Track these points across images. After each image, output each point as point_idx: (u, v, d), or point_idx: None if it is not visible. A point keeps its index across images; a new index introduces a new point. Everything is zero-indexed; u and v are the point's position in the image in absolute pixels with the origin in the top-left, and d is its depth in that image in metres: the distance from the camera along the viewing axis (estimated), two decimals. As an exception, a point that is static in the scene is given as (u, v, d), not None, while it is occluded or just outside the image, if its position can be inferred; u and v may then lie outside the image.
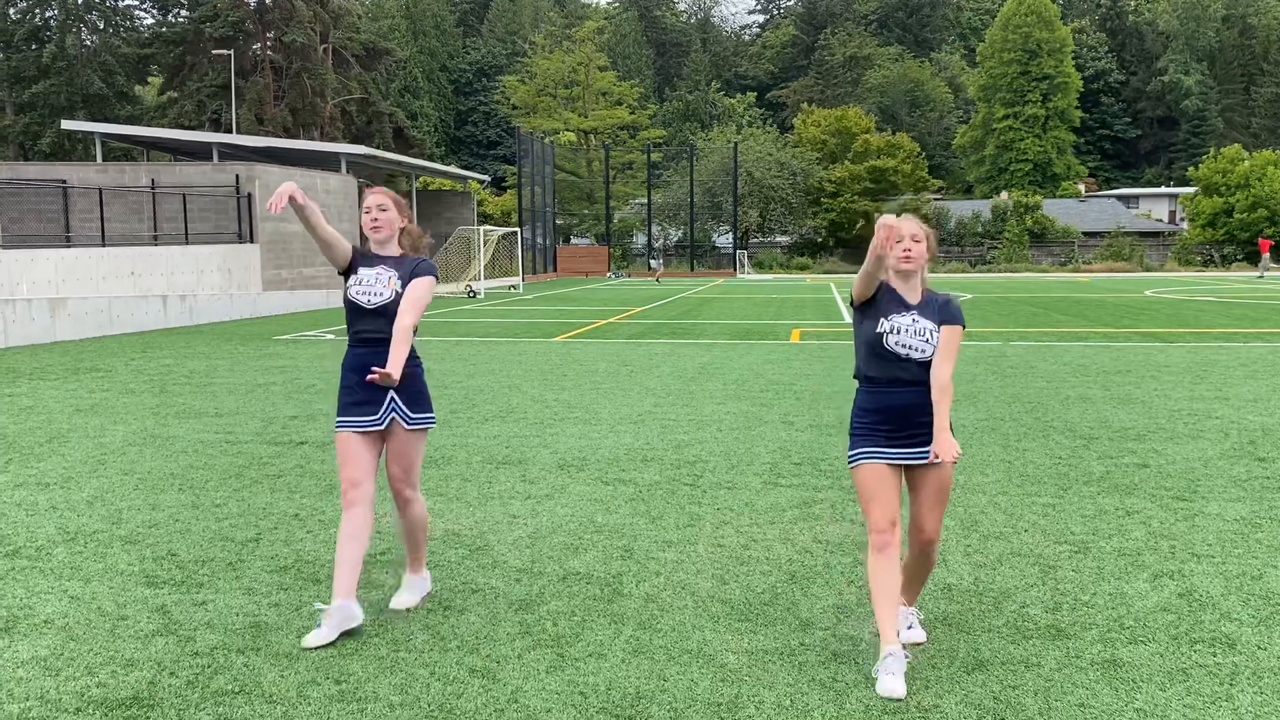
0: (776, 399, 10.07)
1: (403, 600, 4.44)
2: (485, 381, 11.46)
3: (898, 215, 3.77)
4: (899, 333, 3.75)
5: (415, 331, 4.28)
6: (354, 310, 4.32)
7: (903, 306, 3.80)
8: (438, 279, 4.44)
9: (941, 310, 3.82)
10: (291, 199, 4.08)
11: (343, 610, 4.06)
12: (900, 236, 3.79)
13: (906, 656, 3.65)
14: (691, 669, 3.75)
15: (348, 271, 4.37)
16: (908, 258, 3.78)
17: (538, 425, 8.68)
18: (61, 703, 3.50)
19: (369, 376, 4.08)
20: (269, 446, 7.83)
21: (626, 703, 3.48)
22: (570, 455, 7.45)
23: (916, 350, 3.75)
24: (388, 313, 4.27)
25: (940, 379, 3.71)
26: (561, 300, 29.32)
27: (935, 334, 3.77)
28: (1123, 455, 7.34)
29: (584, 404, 9.81)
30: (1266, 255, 43.24)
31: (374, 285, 4.30)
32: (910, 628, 4.04)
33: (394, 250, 4.41)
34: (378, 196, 4.37)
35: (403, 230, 4.42)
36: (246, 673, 3.73)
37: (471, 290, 31.70)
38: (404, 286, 4.30)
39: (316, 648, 3.95)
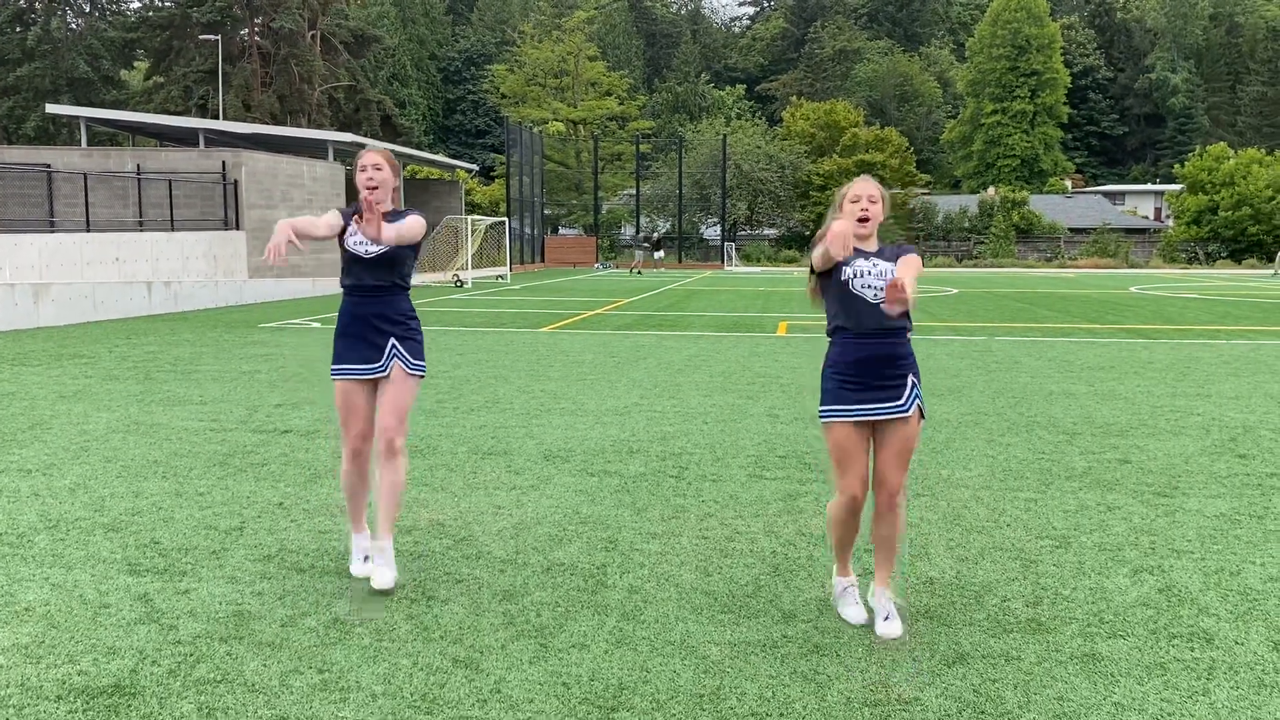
0: (762, 392, 10.09)
1: (385, 579, 4.42)
2: (471, 372, 11.45)
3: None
4: (863, 275, 3.90)
5: (402, 254, 4.46)
6: (352, 260, 4.43)
7: (861, 255, 3.95)
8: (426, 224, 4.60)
9: (899, 252, 3.99)
10: (290, 243, 4.15)
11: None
12: (857, 197, 3.98)
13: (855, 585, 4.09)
14: (674, 660, 3.76)
15: (342, 232, 4.47)
16: (865, 219, 3.95)
17: (523, 416, 8.68)
18: (43, 690, 3.49)
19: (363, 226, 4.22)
20: (253, 435, 7.81)
21: (609, 693, 3.49)
22: (556, 446, 7.45)
23: (881, 289, 3.87)
24: (385, 261, 4.41)
25: (906, 269, 3.88)
26: (549, 291, 29.29)
27: (893, 271, 3.90)
28: (1105, 451, 7.38)
29: (570, 395, 9.81)
30: None
31: None
32: (887, 618, 4.03)
33: (387, 208, 4.52)
34: (373, 156, 4.45)
35: (394, 189, 4.55)
36: (229, 661, 3.72)
37: (459, 280, 31.62)
38: None
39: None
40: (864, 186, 3.98)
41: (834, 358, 3.98)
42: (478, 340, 14.92)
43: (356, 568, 4.58)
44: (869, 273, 3.89)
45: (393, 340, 4.46)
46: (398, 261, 4.46)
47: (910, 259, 3.93)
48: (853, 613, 4.07)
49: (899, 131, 66.56)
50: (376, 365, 4.46)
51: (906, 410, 3.93)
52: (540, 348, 14.00)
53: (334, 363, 4.51)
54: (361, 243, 4.39)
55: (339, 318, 4.54)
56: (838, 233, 3.63)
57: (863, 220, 3.94)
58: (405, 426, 4.54)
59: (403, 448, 4.53)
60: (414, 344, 4.52)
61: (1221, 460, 7.10)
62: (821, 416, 3.99)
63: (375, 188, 4.40)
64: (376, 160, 4.43)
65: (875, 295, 3.87)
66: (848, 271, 3.90)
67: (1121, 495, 6.13)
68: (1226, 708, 3.42)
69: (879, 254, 3.97)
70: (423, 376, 4.57)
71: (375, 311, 4.44)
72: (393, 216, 4.46)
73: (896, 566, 4.41)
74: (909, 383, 3.95)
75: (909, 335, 4.00)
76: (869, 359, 3.90)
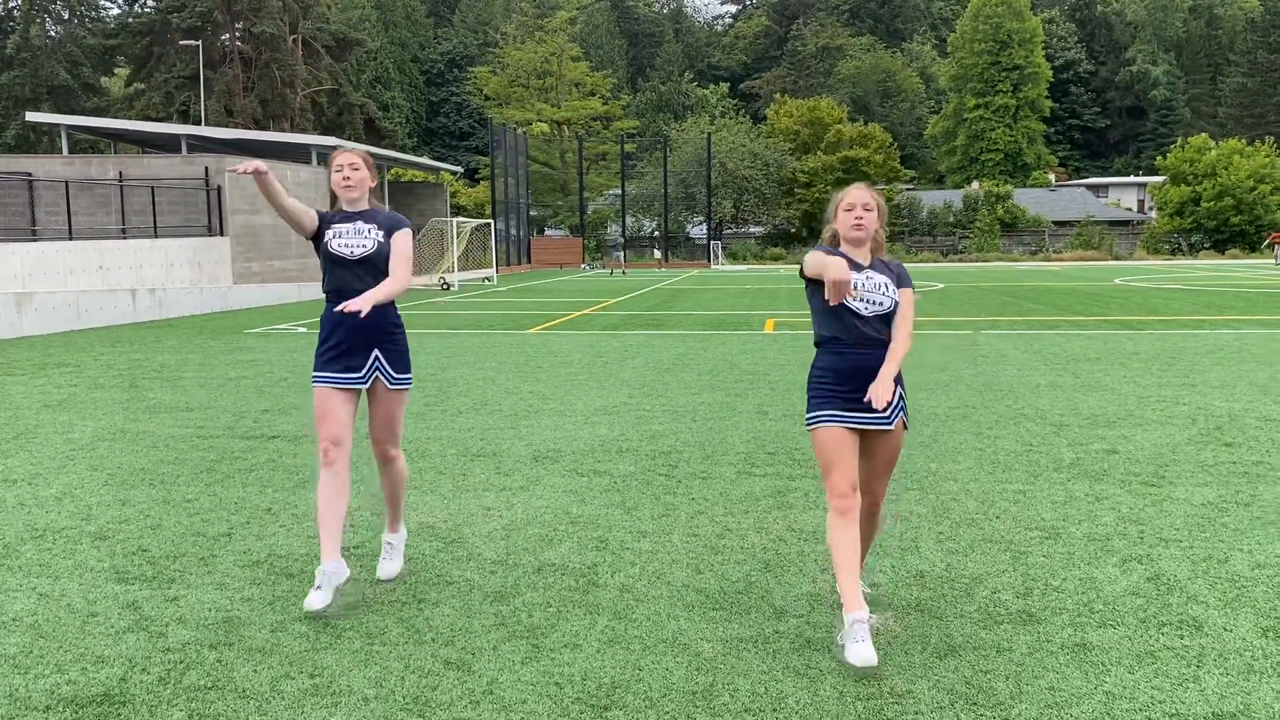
0: (751, 389, 10.10)
1: (390, 570, 4.61)
2: (459, 374, 11.43)
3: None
4: (856, 288, 3.82)
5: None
6: (336, 262, 4.34)
7: (854, 267, 3.88)
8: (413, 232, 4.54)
9: (896, 271, 3.94)
10: (255, 171, 4.13)
11: (337, 571, 4.24)
12: (851, 205, 3.90)
13: (872, 621, 3.75)
14: (667, 658, 3.76)
15: (318, 235, 4.39)
16: (860, 226, 3.88)
17: (512, 417, 8.67)
18: (31, 700, 3.47)
19: (343, 306, 4.15)
20: (241, 441, 7.77)
21: (602, 692, 3.49)
22: (545, 447, 7.44)
23: (875, 304, 3.83)
24: (371, 262, 4.33)
25: (900, 333, 3.86)
26: (536, 292, 29.26)
27: (890, 287, 3.86)
28: (1092, 442, 7.41)
29: (558, 396, 9.80)
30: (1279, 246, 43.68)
31: (355, 237, 4.34)
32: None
33: (364, 207, 4.47)
34: (349, 155, 4.42)
35: (371, 189, 4.49)
36: (219, 668, 3.71)
37: (445, 282, 31.56)
38: (386, 237, 4.36)
39: (319, 610, 4.12)
40: (858, 194, 3.88)
41: (823, 365, 3.90)
42: (465, 342, 14.89)
43: (312, 598, 4.12)
44: (862, 285, 3.82)
45: (376, 352, 4.34)
46: (385, 261, 4.34)
47: (908, 299, 3.87)
48: (858, 652, 3.57)
49: (883, 127, 66.69)
50: (358, 376, 4.33)
51: (890, 423, 3.87)
52: (528, 349, 13.98)
53: (315, 369, 4.39)
54: (345, 245, 4.31)
55: (322, 325, 4.41)
56: (835, 281, 3.55)
57: (857, 228, 3.86)
58: (398, 436, 4.52)
59: (397, 455, 4.56)
60: (398, 355, 4.40)
61: (1208, 449, 7.13)
62: (810, 423, 3.90)
63: (351, 186, 4.36)
64: (353, 160, 4.38)
65: (868, 308, 3.81)
66: None
67: (1109, 485, 6.16)
68: (1217, 694, 3.44)
69: (871, 267, 3.90)
70: (409, 388, 4.49)
71: (360, 320, 4.27)
72: (371, 216, 4.41)
73: (869, 559, 4.55)
74: (895, 394, 3.88)
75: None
76: (859, 370, 3.82)
